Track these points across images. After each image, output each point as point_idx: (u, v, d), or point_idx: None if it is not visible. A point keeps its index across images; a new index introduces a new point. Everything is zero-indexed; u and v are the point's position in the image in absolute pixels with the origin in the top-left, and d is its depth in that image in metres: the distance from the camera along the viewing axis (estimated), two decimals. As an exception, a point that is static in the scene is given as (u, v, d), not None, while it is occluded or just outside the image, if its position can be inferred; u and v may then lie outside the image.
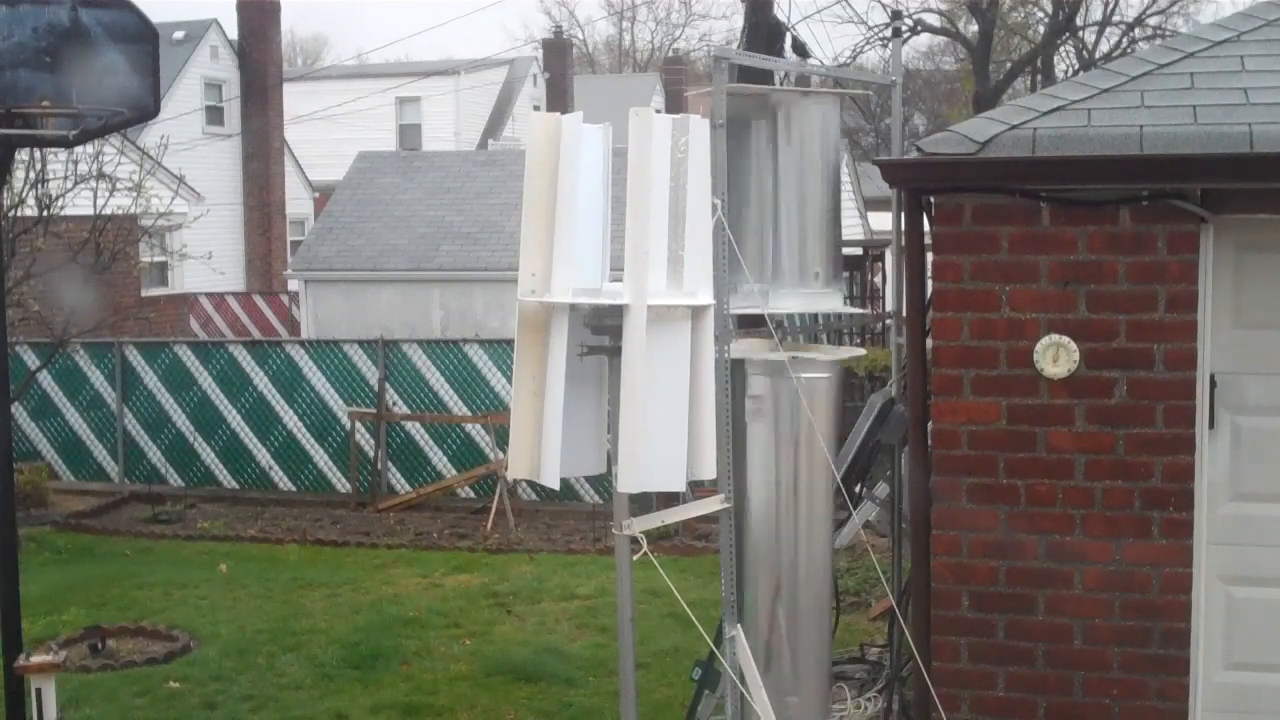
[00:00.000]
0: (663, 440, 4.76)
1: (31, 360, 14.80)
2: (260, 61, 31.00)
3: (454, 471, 14.71)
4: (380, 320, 19.92)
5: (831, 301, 6.34)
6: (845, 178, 26.13)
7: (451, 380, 14.70)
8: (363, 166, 23.49)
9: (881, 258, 23.76)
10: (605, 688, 8.42)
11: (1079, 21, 26.73)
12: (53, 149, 11.81)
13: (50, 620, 10.11)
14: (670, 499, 8.28)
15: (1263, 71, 5.86)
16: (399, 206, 22.14)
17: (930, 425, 5.85)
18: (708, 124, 5.07)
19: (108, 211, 13.43)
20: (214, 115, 30.35)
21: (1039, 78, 26.93)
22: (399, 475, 14.96)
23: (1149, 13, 27.31)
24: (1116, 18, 27.80)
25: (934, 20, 26.81)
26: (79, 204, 13.37)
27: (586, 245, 4.77)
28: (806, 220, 6.25)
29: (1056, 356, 5.63)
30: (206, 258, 17.83)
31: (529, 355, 4.76)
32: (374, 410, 14.73)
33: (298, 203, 33.34)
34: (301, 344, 15.99)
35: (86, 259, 13.34)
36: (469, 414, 14.56)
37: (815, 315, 6.08)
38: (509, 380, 12.90)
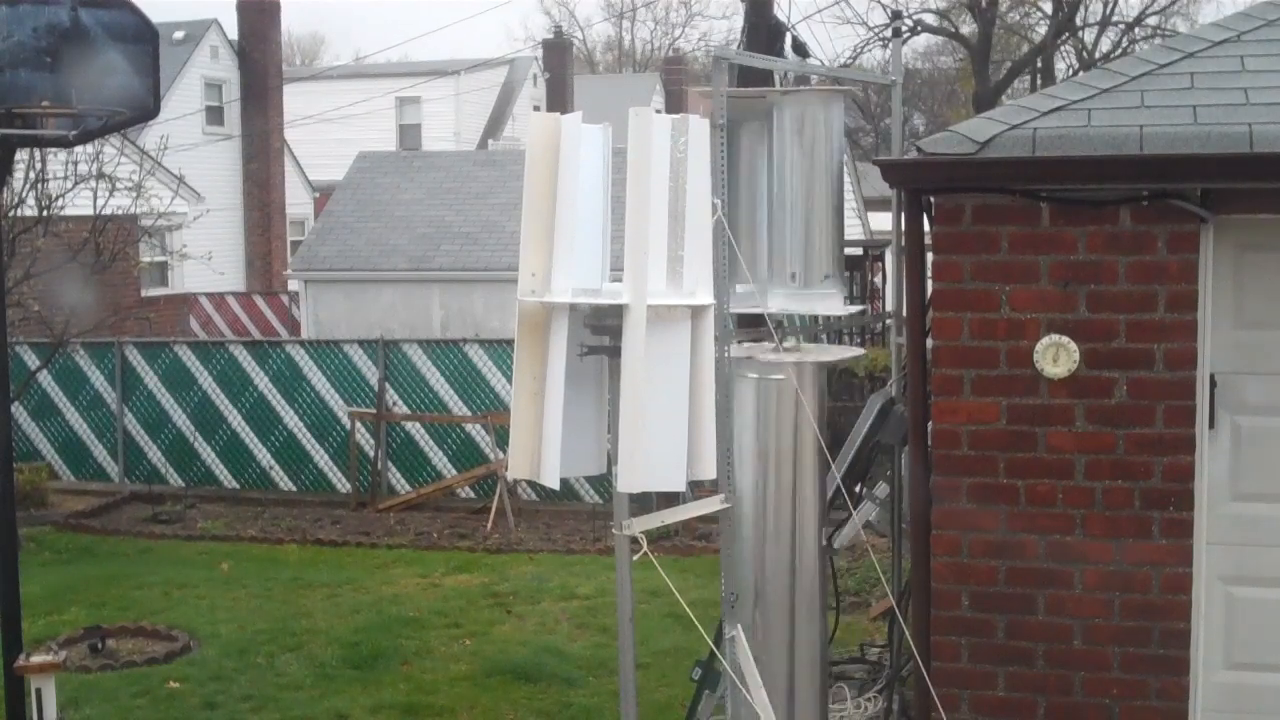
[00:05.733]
0: (662, 440, 4.75)
1: (31, 360, 14.80)
2: (260, 62, 31.00)
3: (454, 471, 14.71)
4: (380, 320, 19.94)
5: (832, 302, 6.32)
6: (845, 177, 26.15)
7: (451, 380, 14.70)
8: (363, 166, 23.49)
9: (881, 258, 23.75)
10: (605, 688, 8.42)
11: (1079, 21, 26.75)
12: (53, 149, 11.81)
13: (50, 620, 10.11)
14: (670, 499, 8.27)
15: (1263, 71, 5.86)
16: (399, 206, 22.14)
17: (930, 425, 5.85)
18: (708, 124, 5.06)
19: (108, 211, 13.44)
20: (214, 115, 30.35)
21: (1039, 78, 26.96)
22: (399, 475, 14.96)
23: (1149, 13, 27.36)
24: (1116, 18, 27.83)
25: (933, 20, 26.83)
26: (79, 204, 13.38)
27: (586, 245, 4.76)
28: (811, 219, 6.22)
29: (1056, 356, 5.63)
30: (206, 258, 17.84)
31: (529, 355, 4.76)
32: (374, 410, 14.73)
33: (298, 203, 33.34)
34: (302, 344, 15.99)
35: (86, 259, 13.34)
36: (469, 414, 14.56)
37: (815, 315, 6.08)
38: (509, 380, 12.90)
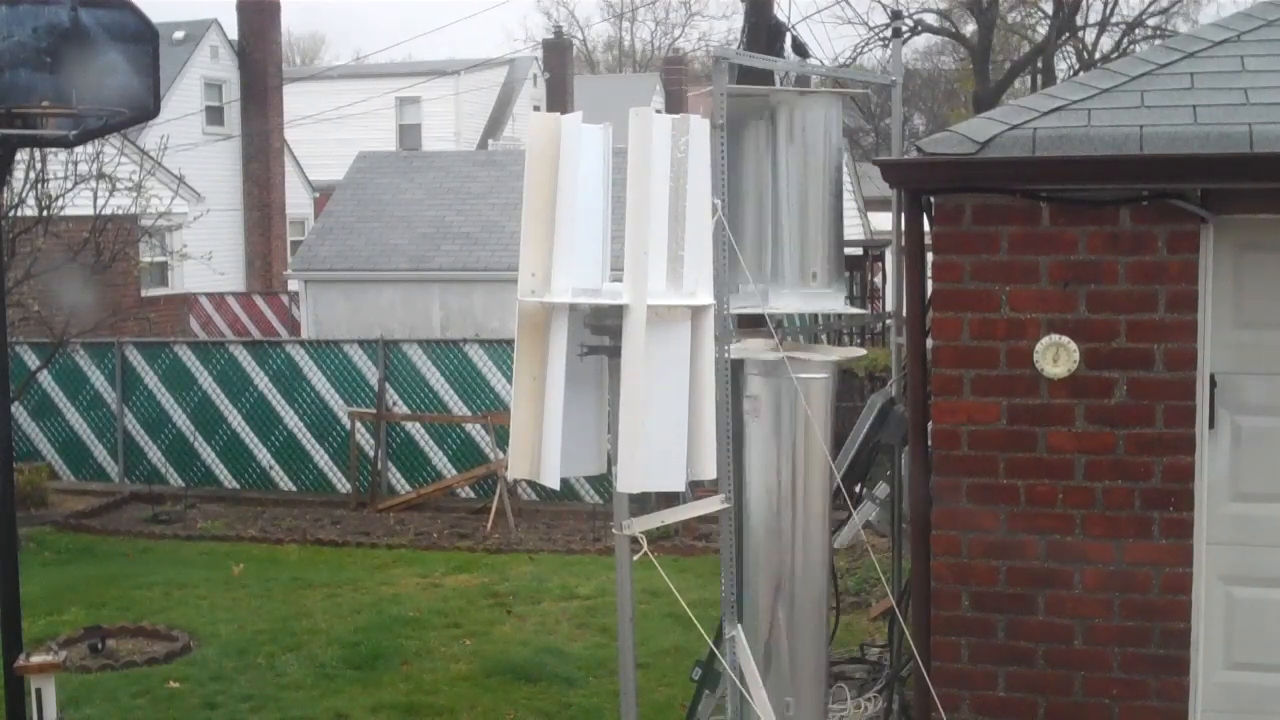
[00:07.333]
0: (662, 440, 4.75)
1: (31, 360, 14.80)
2: (260, 62, 31.00)
3: (454, 471, 14.71)
4: (380, 320, 19.93)
5: (832, 301, 6.33)
6: (845, 177, 26.15)
7: (451, 380, 14.70)
8: (363, 166, 23.49)
9: (881, 258, 23.76)
10: (605, 688, 8.42)
11: (1079, 21, 26.77)
12: (53, 149, 11.81)
13: (50, 620, 10.11)
14: (670, 499, 8.28)
15: (1263, 71, 5.86)
16: (399, 206, 22.14)
17: (930, 425, 5.85)
18: (708, 124, 5.06)
19: (108, 211, 13.45)
20: (214, 115, 30.34)
21: (1039, 78, 26.98)
22: (399, 475, 14.96)
23: (1149, 13, 27.37)
24: (1116, 18, 27.85)
25: (934, 20, 26.84)
26: (79, 204, 13.38)
27: (586, 245, 4.76)
28: (807, 220, 6.24)
29: (1056, 356, 5.63)
30: (206, 258, 17.85)
31: (529, 355, 4.76)
32: (374, 410, 14.73)
33: (298, 203, 33.34)
34: (302, 344, 15.99)
35: (86, 259, 13.35)
36: (469, 414, 14.56)
37: (815, 315, 6.09)
38: (509, 380, 12.90)
